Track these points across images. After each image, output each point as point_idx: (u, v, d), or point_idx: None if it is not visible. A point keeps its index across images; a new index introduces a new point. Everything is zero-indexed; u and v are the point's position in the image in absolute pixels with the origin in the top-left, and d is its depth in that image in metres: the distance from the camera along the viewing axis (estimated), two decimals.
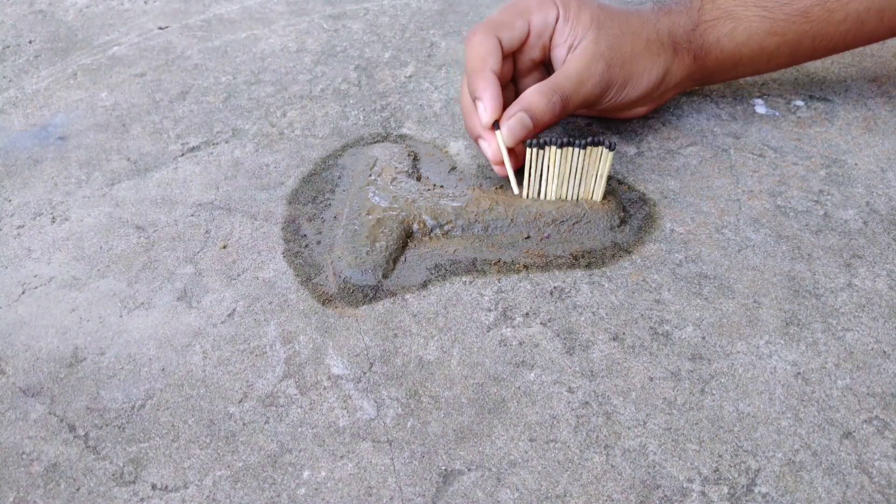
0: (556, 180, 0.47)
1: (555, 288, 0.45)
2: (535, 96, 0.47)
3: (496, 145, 0.48)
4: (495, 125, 0.47)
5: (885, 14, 0.51)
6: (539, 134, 0.48)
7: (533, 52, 0.51)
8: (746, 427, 0.37)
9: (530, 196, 0.48)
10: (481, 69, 0.47)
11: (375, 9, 0.78)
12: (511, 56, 0.51)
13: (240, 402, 0.39)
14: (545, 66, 0.53)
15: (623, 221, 0.49)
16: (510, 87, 0.53)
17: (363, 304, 0.44)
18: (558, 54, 0.50)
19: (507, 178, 0.49)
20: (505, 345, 0.41)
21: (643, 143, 0.56)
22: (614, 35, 0.49)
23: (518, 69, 0.52)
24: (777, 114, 0.59)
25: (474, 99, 0.48)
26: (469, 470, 0.36)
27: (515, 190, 0.49)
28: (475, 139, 0.50)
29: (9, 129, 0.61)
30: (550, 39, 0.50)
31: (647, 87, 0.51)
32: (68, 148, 0.59)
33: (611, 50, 0.49)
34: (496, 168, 0.50)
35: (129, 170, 0.56)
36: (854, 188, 0.51)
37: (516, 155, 0.49)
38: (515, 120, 0.47)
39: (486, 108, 0.47)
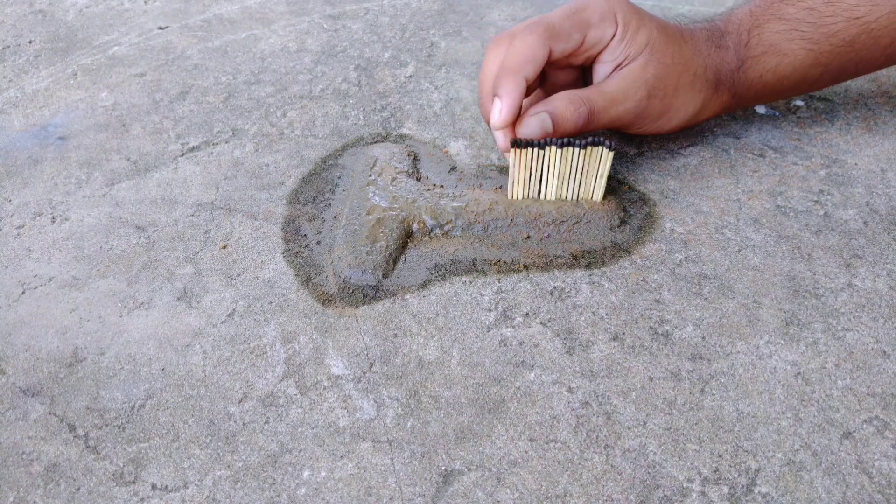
0: (556, 180, 0.47)
1: (555, 288, 0.45)
2: (564, 103, 0.46)
3: (505, 141, 0.47)
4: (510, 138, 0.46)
5: None
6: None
7: (576, 59, 0.49)
8: (746, 427, 0.37)
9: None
10: (517, 72, 0.45)
11: (375, 9, 0.78)
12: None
13: (240, 402, 0.39)
14: (577, 71, 0.51)
15: (623, 221, 0.49)
16: (536, 85, 0.51)
17: (363, 304, 0.44)
18: (602, 70, 0.48)
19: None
20: (505, 345, 0.41)
21: (643, 143, 0.56)
22: (665, 64, 0.47)
23: (552, 62, 0.50)
24: (777, 114, 0.59)
25: (495, 94, 0.46)
26: (469, 470, 0.36)
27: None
28: (486, 120, 0.48)
29: (9, 129, 0.61)
30: (599, 54, 0.48)
31: (680, 121, 0.50)
32: (68, 148, 0.59)
33: (657, 79, 0.47)
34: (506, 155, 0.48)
35: (129, 170, 0.56)
36: (854, 188, 0.51)
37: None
38: (536, 119, 0.45)
39: (503, 111, 0.45)
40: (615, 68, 0.48)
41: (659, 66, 0.47)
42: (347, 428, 0.38)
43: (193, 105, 0.63)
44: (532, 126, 0.45)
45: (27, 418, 0.39)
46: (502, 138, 0.47)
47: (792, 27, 0.50)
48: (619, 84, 0.47)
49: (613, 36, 0.47)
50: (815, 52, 0.50)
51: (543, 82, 0.52)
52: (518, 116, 0.46)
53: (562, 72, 0.51)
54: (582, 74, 0.52)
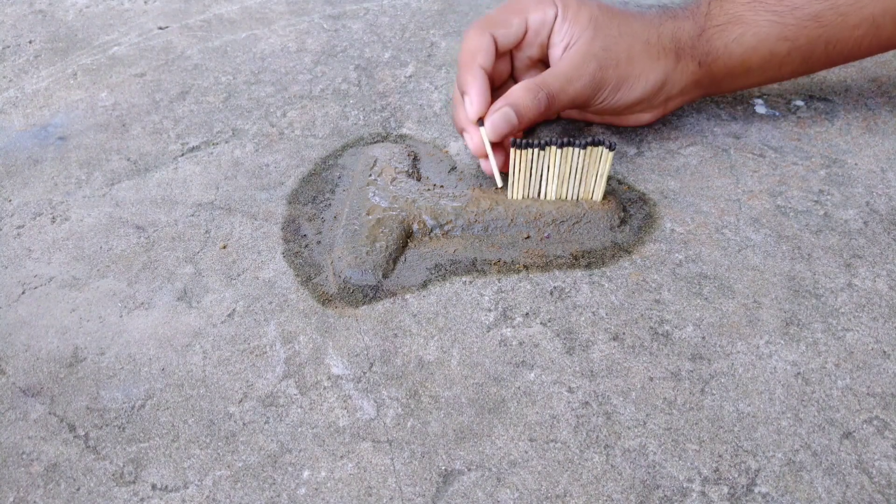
0: (556, 180, 0.47)
1: (555, 288, 0.45)
2: (522, 92, 0.47)
3: (479, 139, 0.48)
4: (480, 121, 0.47)
5: None
6: (525, 134, 0.48)
7: (531, 51, 0.51)
8: (746, 427, 0.37)
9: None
10: (470, 64, 0.48)
11: (375, 9, 0.78)
12: (508, 54, 0.51)
13: (240, 402, 0.39)
14: (543, 65, 0.53)
15: (623, 221, 0.49)
16: (509, 85, 0.53)
17: (363, 304, 0.44)
18: (555, 53, 0.50)
19: (491, 174, 0.49)
20: (505, 345, 0.41)
21: (643, 143, 0.56)
22: (611, 36, 0.49)
23: (516, 67, 0.52)
24: (777, 114, 0.59)
25: (462, 93, 0.48)
26: (469, 470, 0.36)
27: (499, 183, 0.49)
28: (460, 132, 0.50)
29: (9, 129, 0.61)
30: (548, 38, 0.50)
31: (643, 92, 0.51)
32: (68, 148, 0.59)
33: (605, 51, 0.48)
34: (481, 163, 0.50)
35: (129, 170, 0.56)
36: (854, 188, 0.51)
37: (504, 150, 0.49)
38: (500, 115, 0.46)
39: (472, 102, 0.47)
40: (564, 49, 0.49)
41: (606, 39, 0.48)
42: (347, 428, 0.38)
43: (193, 105, 0.63)
44: (498, 122, 0.47)
45: (27, 418, 0.39)
46: (474, 140, 0.48)
47: None
48: (569, 62, 0.48)
49: (556, 17, 0.49)
50: (781, 25, 0.50)
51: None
52: (488, 106, 0.47)
53: (527, 75, 0.52)
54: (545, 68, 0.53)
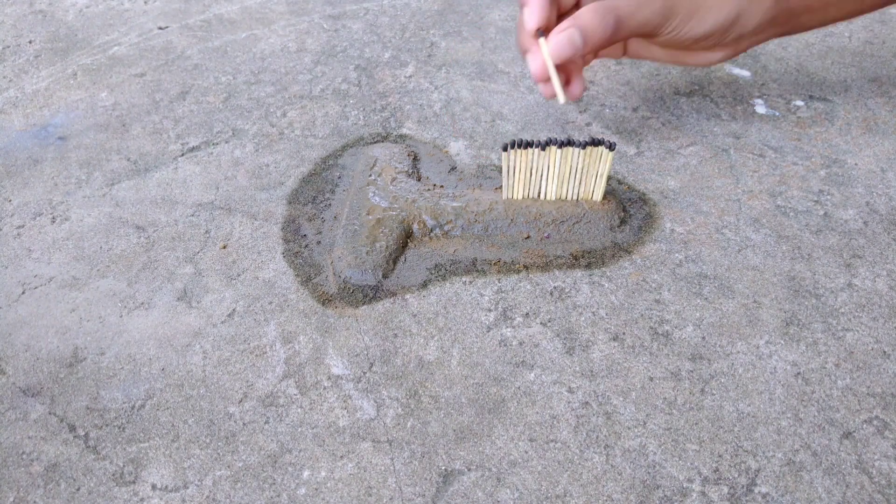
0: (556, 180, 0.47)
1: (555, 288, 0.45)
2: (589, 14, 0.45)
3: (541, 59, 0.46)
4: (541, 35, 0.45)
5: None
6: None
7: None
8: (746, 427, 0.37)
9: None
10: None
11: (375, 9, 0.78)
12: None
13: (240, 402, 0.39)
14: None
15: (623, 221, 0.49)
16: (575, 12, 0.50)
17: (363, 304, 0.44)
18: None
19: (552, 97, 0.48)
20: (505, 345, 0.41)
21: (643, 143, 0.56)
22: None
23: None
24: (777, 114, 0.59)
25: (522, 6, 0.46)
26: (469, 470, 0.36)
27: (562, 99, 0.47)
28: (523, 54, 0.48)
29: (9, 129, 0.61)
30: None
31: (714, 24, 0.48)
32: (68, 148, 0.59)
33: None
34: (541, 87, 0.48)
35: (129, 170, 0.56)
36: (854, 188, 0.51)
37: (568, 74, 0.47)
38: (564, 35, 0.45)
39: (532, 11, 0.45)
40: None
41: None
42: (347, 428, 0.38)
43: (193, 105, 0.63)
44: (562, 43, 0.45)
45: (27, 418, 0.39)
46: (536, 61, 0.46)
47: None
48: None
49: None
50: None
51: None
52: (549, 19, 0.45)
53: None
54: None
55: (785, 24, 0.50)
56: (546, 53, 0.45)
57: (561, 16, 0.48)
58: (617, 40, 0.47)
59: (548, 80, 0.47)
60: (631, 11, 0.46)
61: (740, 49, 0.51)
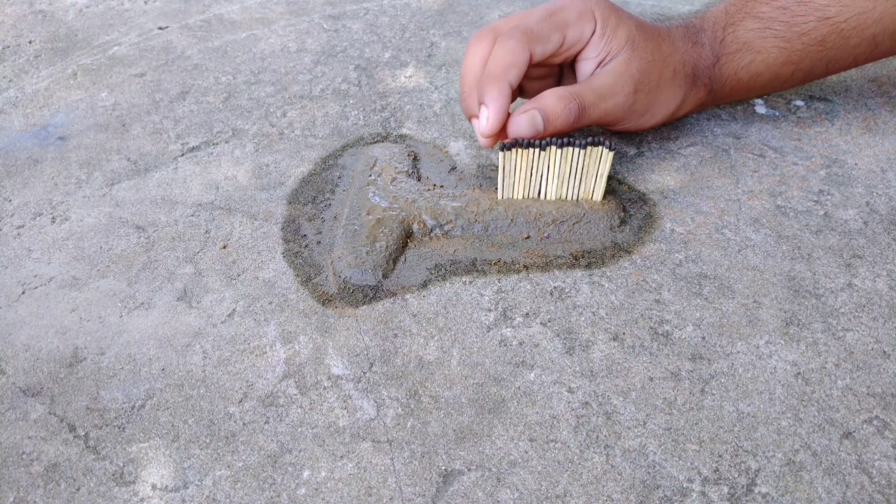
0: (555, 180, 0.47)
1: (555, 288, 0.45)
2: (553, 99, 0.46)
3: (488, 143, 0.47)
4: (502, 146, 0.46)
5: None
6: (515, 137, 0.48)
7: (555, 59, 0.49)
8: (746, 427, 0.37)
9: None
10: (500, 78, 0.45)
11: (375, 9, 0.78)
12: None
13: (240, 402, 0.39)
14: (560, 69, 0.52)
15: (623, 221, 0.49)
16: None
17: (363, 304, 0.44)
18: (586, 67, 0.49)
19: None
20: (505, 345, 0.41)
21: (643, 143, 0.56)
22: (647, 60, 0.48)
23: (532, 64, 0.50)
24: (777, 114, 0.59)
25: (480, 102, 0.46)
26: (469, 470, 0.36)
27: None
28: (468, 118, 0.49)
29: (9, 129, 0.61)
30: (580, 52, 0.49)
31: (663, 116, 0.51)
32: (68, 148, 0.59)
33: (641, 74, 0.48)
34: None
35: (129, 170, 0.56)
36: (854, 188, 0.51)
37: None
38: (527, 117, 0.45)
39: (490, 118, 0.45)
40: (598, 65, 0.48)
41: (642, 62, 0.48)
42: (347, 428, 0.38)
43: (193, 105, 0.63)
44: (523, 125, 0.45)
45: (27, 418, 0.39)
46: (486, 142, 0.47)
47: (766, 25, 0.51)
48: (606, 79, 0.48)
49: (593, 33, 0.48)
50: (788, 51, 0.51)
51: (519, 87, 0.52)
52: (505, 122, 0.46)
53: (538, 69, 0.51)
54: (560, 72, 0.53)
55: (711, 103, 0.56)
56: (500, 162, 0.46)
57: None
58: (577, 127, 0.48)
59: (491, 146, 0.48)
60: (594, 101, 0.47)
61: (670, 121, 0.55)
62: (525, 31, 0.46)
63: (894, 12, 0.49)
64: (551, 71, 0.52)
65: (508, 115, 0.46)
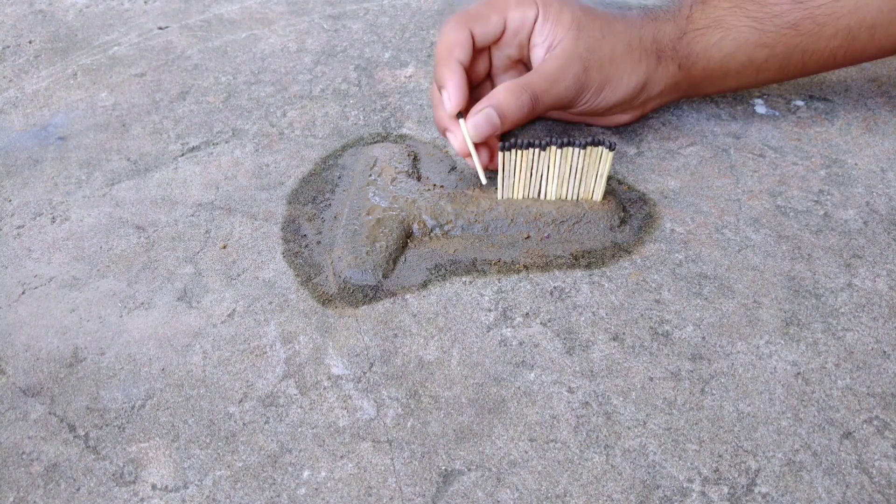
0: (555, 180, 0.47)
1: (555, 288, 0.45)
2: (505, 93, 0.46)
3: (461, 137, 0.48)
4: (460, 116, 0.47)
5: (875, 31, 0.50)
6: (511, 135, 0.48)
7: (510, 50, 0.50)
8: (746, 427, 0.37)
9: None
10: (447, 59, 0.47)
11: (375, 9, 0.78)
12: (486, 52, 0.51)
13: (240, 402, 0.39)
14: (524, 66, 0.53)
15: (623, 221, 0.49)
16: (487, 85, 0.53)
17: (363, 304, 0.44)
18: (537, 54, 0.50)
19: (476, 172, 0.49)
20: (505, 345, 0.41)
21: (643, 143, 0.56)
22: (594, 38, 0.48)
23: (494, 66, 0.52)
24: (777, 114, 0.59)
25: (439, 88, 0.47)
26: (469, 470, 0.36)
27: (483, 181, 0.49)
28: (443, 133, 0.50)
29: (9, 129, 0.61)
30: (529, 39, 0.49)
31: (625, 93, 0.51)
32: (68, 148, 0.59)
33: (589, 52, 0.48)
34: (467, 161, 0.50)
35: (129, 170, 0.56)
36: (854, 188, 0.51)
37: (490, 149, 0.49)
38: (482, 115, 0.46)
39: (451, 97, 0.47)
40: (547, 50, 0.49)
41: (589, 40, 0.48)
42: (347, 428, 0.38)
43: (193, 105, 0.63)
44: (480, 123, 0.46)
45: (27, 418, 0.39)
46: (457, 140, 0.48)
47: (736, 4, 0.51)
48: (553, 63, 0.48)
49: (536, 18, 0.48)
50: (760, 31, 0.50)
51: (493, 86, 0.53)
52: (467, 101, 0.47)
53: (506, 75, 0.52)
54: (526, 68, 0.53)
55: (687, 89, 0.54)
56: (466, 134, 0.47)
57: (472, 89, 0.50)
58: (534, 116, 0.48)
59: (469, 155, 0.48)
60: (546, 88, 0.47)
61: (647, 110, 0.55)
62: (461, 15, 0.48)
63: (870, 4, 0.49)
64: (515, 65, 0.52)
65: (469, 101, 0.47)
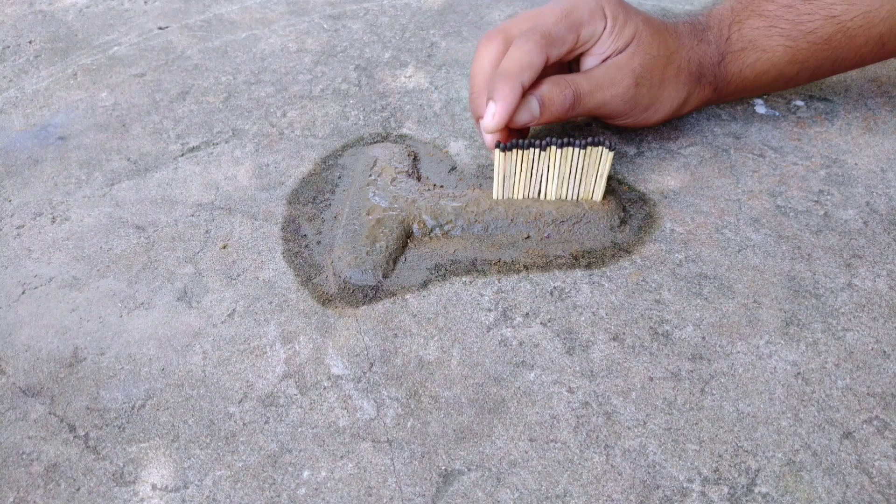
0: (556, 180, 0.47)
1: (555, 288, 0.45)
2: (550, 86, 0.46)
3: (491, 140, 0.47)
4: (499, 145, 0.46)
5: None
6: (513, 138, 0.48)
7: (567, 57, 0.49)
8: (746, 427, 0.37)
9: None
10: (515, 77, 0.45)
11: (375, 9, 0.78)
12: None
13: (240, 402, 0.39)
14: (569, 64, 0.52)
15: (623, 221, 0.49)
16: None
17: (363, 304, 0.44)
18: (589, 62, 0.49)
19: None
20: (505, 345, 0.41)
21: (643, 143, 0.56)
22: (651, 55, 0.48)
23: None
24: (777, 114, 0.59)
25: (489, 99, 0.46)
26: (469, 470, 0.36)
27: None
28: (476, 120, 0.49)
29: (9, 129, 0.61)
30: (590, 48, 0.49)
31: (666, 113, 0.52)
32: (68, 148, 0.59)
33: (643, 69, 0.48)
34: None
35: (129, 170, 0.56)
36: (854, 188, 0.51)
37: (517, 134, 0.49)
38: (523, 103, 0.45)
39: (496, 115, 0.45)
40: (603, 61, 0.49)
41: (646, 57, 0.48)
42: (347, 428, 0.38)
43: (193, 105, 0.63)
44: (520, 110, 0.45)
45: (27, 418, 0.39)
46: (490, 138, 0.47)
47: (771, 24, 0.51)
48: (606, 71, 0.48)
49: (603, 30, 0.48)
50: (793, 49, 0.51)
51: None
52: (509, 120, 0.46)
53: (547, 70, 0.51)
54: (568, 68, 0.53)
55: (717, 101, 0.56)
56: (497, 159, 0.46)
57: None
58: (573, 115, 0.48)
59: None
60: (591, 90, 0.47)
61: (673, 118, 0.55)
62: (544, 35, 0.46)
63: None
64: (558, 67, 0.51)
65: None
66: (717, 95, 0.54)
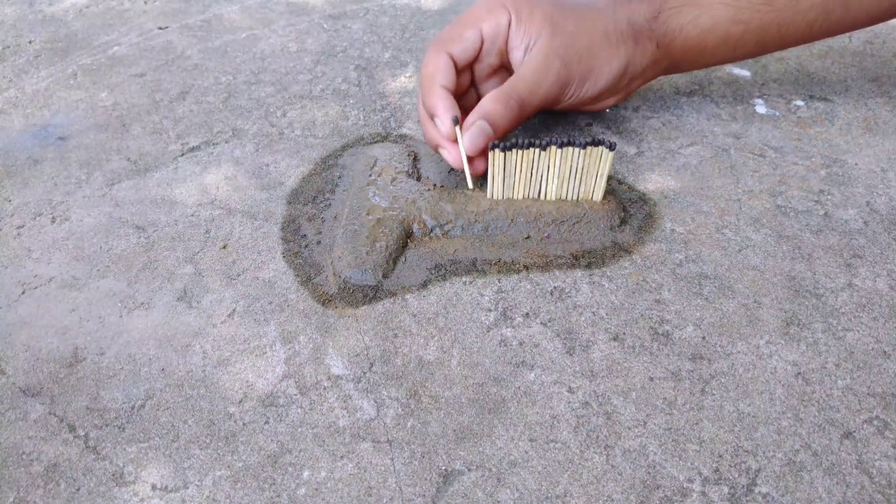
0: (556, 180, 0.47)
1: (555, 288, 0.45)
2: (492, 103, 0.47)
3: (455, 152, 0.48)
4: (455, 121, 0.48)
5: (850, 4, 0.51)
6: (511, 136, 0.49)
7: (490, 59, 0.51)
8: (747, 427, 0.37)
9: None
10: (431, 87, 0.48)
11: (375, 9, 0.78)
12: (469, 67, 0.51)
13: (240, 402, 0.39)
14: (505, 70, 0.53)
15: (623, 221, 0.49)
16: (471, 94, 0.53)
17: (363, 304, 0.44)
18: (516, 57, 0.50)
19: (475, 177, 0.50)
20: (505, 345, 0.41)
21: (643, 143, 0.56)
22: (569, 32, 0.49)
23: (477, 76, 0.53)
24: (777, 114, 0.59)
25: (431, 116, 0.48)
26: (469, 470, 0.36)
27: (470, 185, 0.49)
28: (435, 149, 0.50)
29: (9, 129, 0.61)
30: (506, 44, 0.50)
31: (608, 80, 0.51)
32: (68, 148, 0.59)
33: (565, 47, 0.49)
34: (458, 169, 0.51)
35: (129, 170, 0.56)
36: (854, 188, 0.51)
37: (484, 158, 0.49)
38: (476, 128, 0.47)
39: (443, 122, 0.47)
40: (525, 52, 0.49)
41: (564, 35, 0.49)
42: (347, 428, 0.38)
43: (193, 105, 0.63)
44: (475, 136, 0.47)
45: (27, 418, 0.39)
46: (451, 155, 0.49)
47: None
48: (532, 65, 0.48)
49: (510, 23, 0.49)
50: (734, 8, 0.51)
51: (478, 98, 0.53)
52: (460, 124, 0.48)
53: (490, 82, 0.53)
54: (508, 72, 0.53)
55: (668, 66, 0.55)
56: (463, 153, 0.48)
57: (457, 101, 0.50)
58: (524, 120, 0.49)
59: (463, 168, 0.49)
60: (530, 90, 0.48)
61: (630, 91, 0.55)
62: (438, 40, 0.49)
63: None
64: (497, 71, 0.53)
65: (461, 120, 0.48)
66: (666, 54, 0.53)
